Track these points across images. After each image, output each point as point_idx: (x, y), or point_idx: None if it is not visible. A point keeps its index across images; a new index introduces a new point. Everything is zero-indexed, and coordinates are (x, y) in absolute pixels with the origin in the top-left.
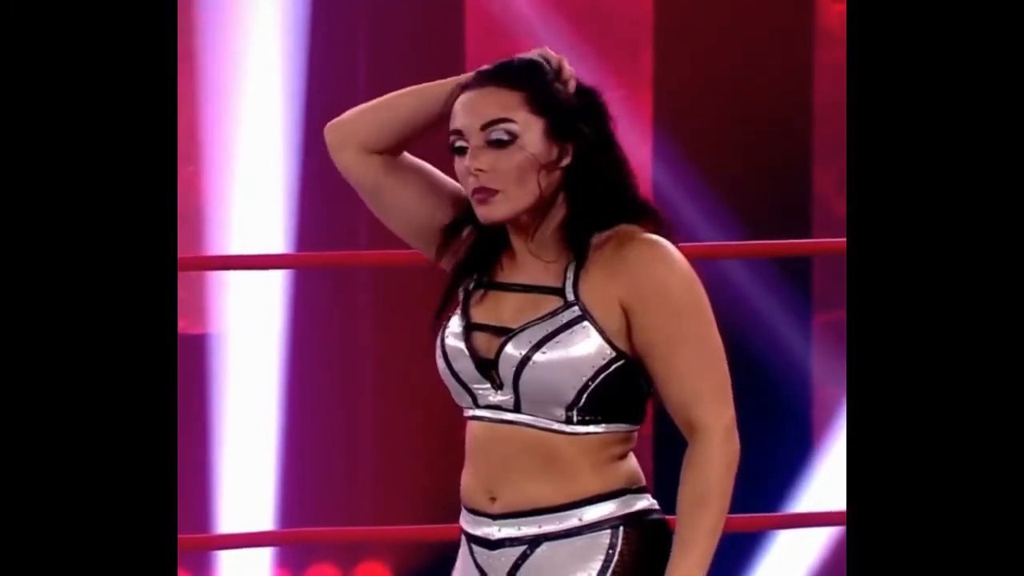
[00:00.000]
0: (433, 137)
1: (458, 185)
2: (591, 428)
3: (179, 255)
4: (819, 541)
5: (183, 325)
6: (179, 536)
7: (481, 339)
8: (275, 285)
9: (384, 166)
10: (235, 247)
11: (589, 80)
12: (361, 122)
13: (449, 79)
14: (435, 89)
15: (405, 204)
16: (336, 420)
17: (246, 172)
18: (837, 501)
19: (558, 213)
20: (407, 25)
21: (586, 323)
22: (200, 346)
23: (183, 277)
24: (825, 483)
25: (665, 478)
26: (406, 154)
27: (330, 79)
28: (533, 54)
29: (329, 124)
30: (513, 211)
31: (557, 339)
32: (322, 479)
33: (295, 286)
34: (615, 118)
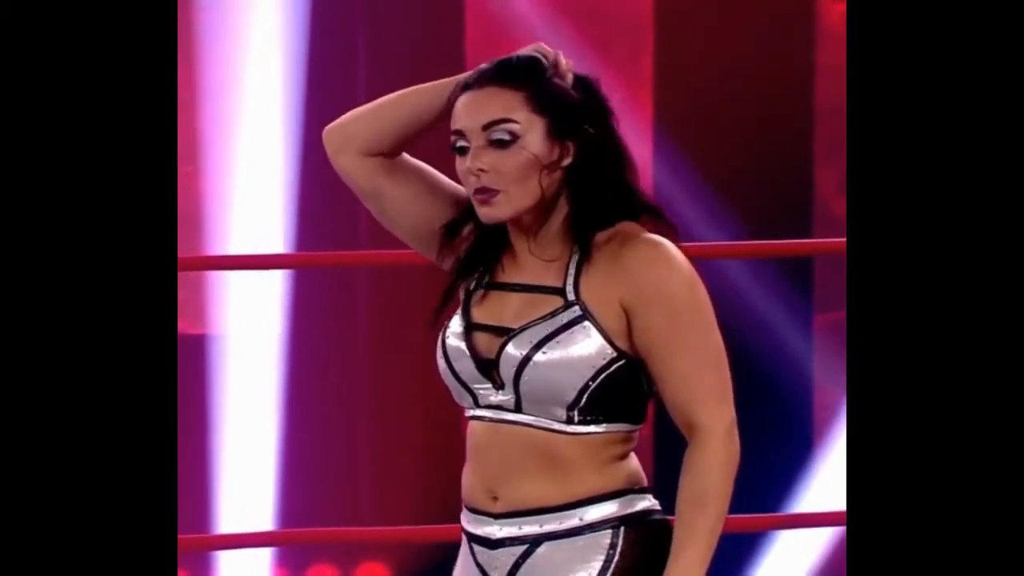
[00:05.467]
0: (432, 137)
1: (457, 186)
2: (592, 428)
3: (179, 255)
4: (819, 541)
5: (183, 325)
6: (179, 536)
7: (482, 339)
8: (275, 285)
9: (383, 168)
10: (235, 247)
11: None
12: (360, 125)
13: (448, 79)
14: (434, 89)
15: (405, 206)
16: (336, 420)
17: (246, 172)
18: (837, 501)
19: (560, 212)
20: (407, 25)
21: (587, 323)
22: (200, 346)
23: (183, 277)
24: (825, 483)
25: (665, 478)
26: (405, 155)
27: (330, 79)
28: (529, 50)
29: (327, 128)
30: (515, 211)
31: (558, 339)
32: (322, 479)
33: (295, 286)
34: (615, 112)
